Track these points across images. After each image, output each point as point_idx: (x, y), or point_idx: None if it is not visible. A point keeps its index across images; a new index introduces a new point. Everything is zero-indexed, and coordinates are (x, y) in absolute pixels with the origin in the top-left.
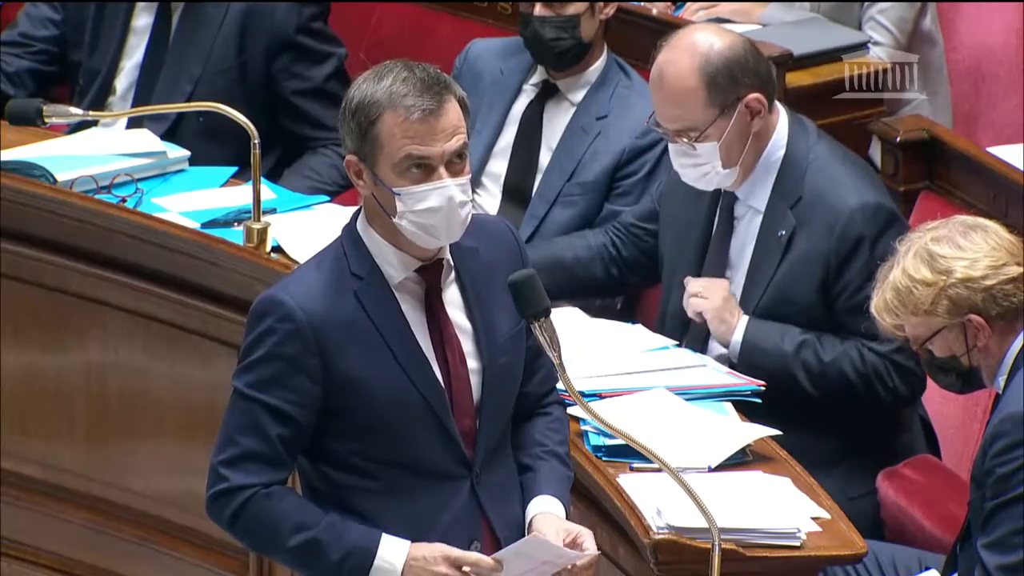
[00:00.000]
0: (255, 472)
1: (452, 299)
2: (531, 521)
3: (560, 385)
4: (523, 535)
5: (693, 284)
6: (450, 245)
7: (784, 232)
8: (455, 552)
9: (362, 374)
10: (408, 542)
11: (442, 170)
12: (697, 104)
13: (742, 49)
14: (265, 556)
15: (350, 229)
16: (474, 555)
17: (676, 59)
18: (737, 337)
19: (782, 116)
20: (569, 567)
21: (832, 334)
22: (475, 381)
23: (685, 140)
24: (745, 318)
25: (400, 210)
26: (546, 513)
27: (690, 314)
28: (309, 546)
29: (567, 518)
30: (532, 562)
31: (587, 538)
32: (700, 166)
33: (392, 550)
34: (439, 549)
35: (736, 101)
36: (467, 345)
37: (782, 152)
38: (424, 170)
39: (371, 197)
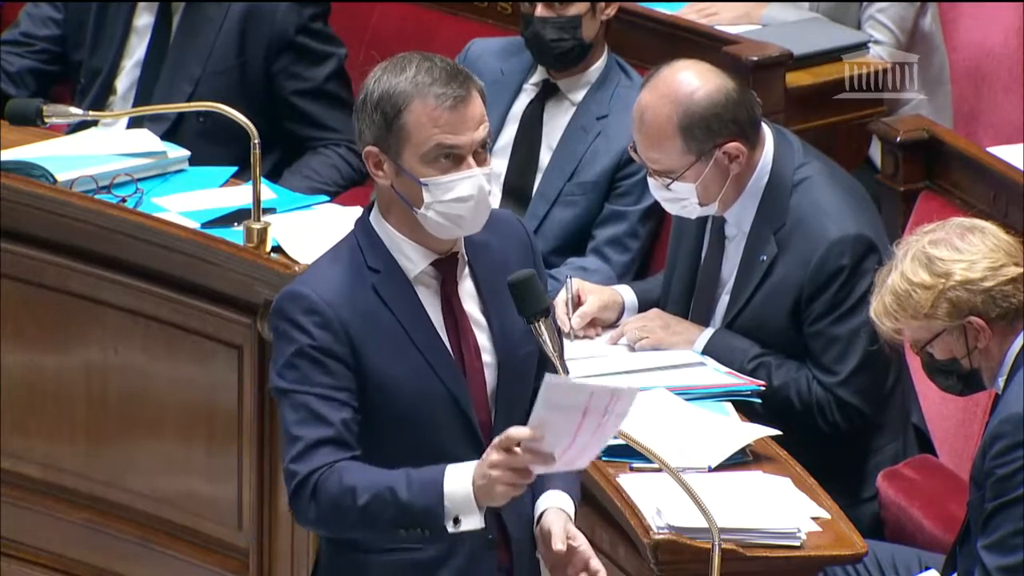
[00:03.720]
0: (322, 455)
1: (467, 293)
2: (541, 516)
3: None
4: (532, 540)
5: (629, 329)
6: (463, 239)
7: (765, 258)
8: (498, 439)
9: (387, 367)
10: (474, 462)
11: (471, 159)
12: (673, 151)
13: (723, 97)
14: (344, 534)
15: (363, 223)
16: (516, 430)
17: (655, 105)
18: (698, 348)
19: (767, 140)
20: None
21: (801, 357)
22: (489, 375)
23: (662, 180)
24: (709, 331)
25: (427, 200)
26: (554, 508)
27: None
28: (381, 495)
29: (576, 511)
30: (571, 417)
31: (586, 548)
32: (678, 201)
33: (459, 472)
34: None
35: (713, 148)
36: (481, 339)
37: (767, 178)
38: (453, 160)
39: (390, 189)
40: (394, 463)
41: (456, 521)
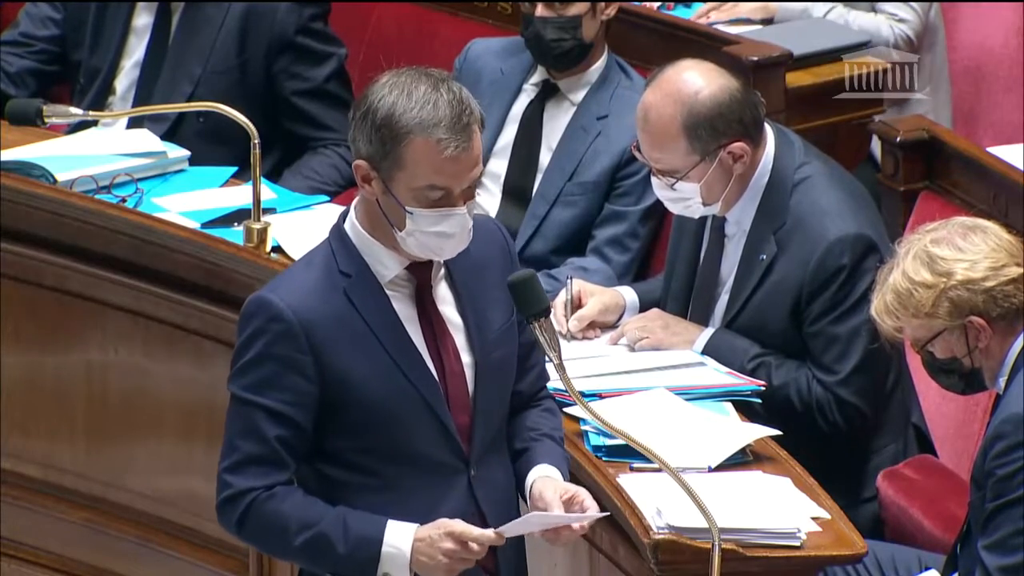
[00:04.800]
0: (257, 475)
1: (443, 296)
2: (530, 487)
3: (560, 385)
4: (520, 538)
5: (629, 329)
6: None
7: (765, 257)
8: (458, 527)
9: (356, 370)
10: (414, 525)
11: (458, 197)
12: (677, 151)
13: (728, 97)
14: (277, 558)
15: (338, 228)
16: (477, 530)
17: (659, 104)
18: (698, 348)
19: (769, 140)
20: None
21: (800, 357)
22: (469, 376)
23: (666, 180)
24: (709, 331)
25: (409, 228)
26: (545, 477)
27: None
28: (316, 542)
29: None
30: (539, 527)
31: (586, 497)
32: (682, 201)
33: (398, 535)
34: (443, 525)
35: (718, 149)
36: (459, 340)
37: (767, 178)
38: (442, 198)
39: (374, 203)
40: (370, 466)
41: (386, 574)
